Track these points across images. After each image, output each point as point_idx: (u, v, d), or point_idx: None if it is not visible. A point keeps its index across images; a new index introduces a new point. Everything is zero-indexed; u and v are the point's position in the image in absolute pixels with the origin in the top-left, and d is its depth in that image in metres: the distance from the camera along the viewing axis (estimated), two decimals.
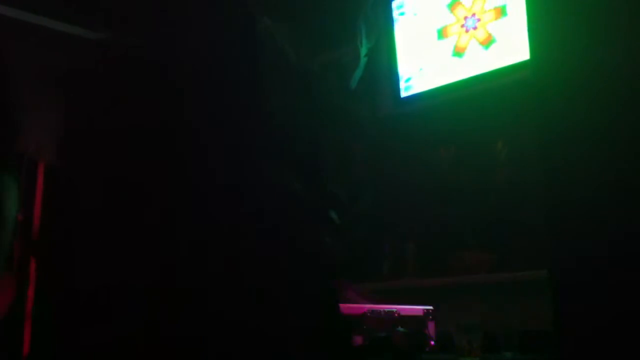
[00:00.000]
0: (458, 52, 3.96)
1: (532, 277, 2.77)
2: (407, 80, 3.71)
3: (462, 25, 4.00)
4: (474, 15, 4.02)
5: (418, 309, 2.99)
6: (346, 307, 2.77)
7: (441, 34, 4.06)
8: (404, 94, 3.58)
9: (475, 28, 3.96)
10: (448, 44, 3.99)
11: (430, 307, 3.00)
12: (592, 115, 2.05)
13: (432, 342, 2.95)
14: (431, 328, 2.98)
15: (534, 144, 2.71)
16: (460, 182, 3.21)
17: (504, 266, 2.93)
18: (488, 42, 3.84)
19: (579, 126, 2.09)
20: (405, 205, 3.38)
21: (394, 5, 3.95)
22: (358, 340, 2.76)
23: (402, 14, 4.04)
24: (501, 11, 3.85)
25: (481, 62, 3.76)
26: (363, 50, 3.46)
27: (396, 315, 2.89)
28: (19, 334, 3.37)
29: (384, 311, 2.88)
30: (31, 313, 3.38)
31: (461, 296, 3.10)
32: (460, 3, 4.03)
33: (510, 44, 3.66)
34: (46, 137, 3.73)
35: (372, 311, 2.84)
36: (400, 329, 2.80)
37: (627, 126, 1.94)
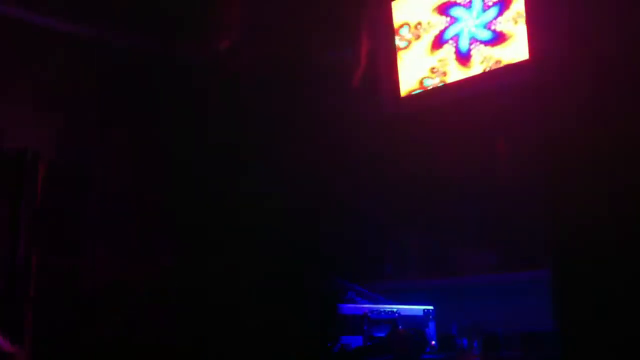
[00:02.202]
0: None
1: (533, 278, 2.77)
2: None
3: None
4: None
5: (418, 309, 2.99)
6: (347, 308, 2.78)
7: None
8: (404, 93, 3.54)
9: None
10: None
11: (431, 307, 3.00)
12: (592, 115, 2.05)
13: (433, 342, 2.95)
14: (432, 328, 2.98)
15: (535, 144, 2.71)
16: (461, 182, 3.21)
17: (505, 266, 2.93)
18: None
19: (578, 125, 2.09)
20: (407, 205, 3.38)
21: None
22: (358, 340, 2.76)
23: None
24: None
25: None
26: (364, 50, 3.47)
27: (397, 315, 2.89)
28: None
29: (385, 311, 2.88)
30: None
31: (462, 296, 3.10)
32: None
33: None
34: (48, 133, 3.75)
35: (373, 311, 2.85)
36: (400, 329, 2.80)
37: (627, 125, 1.94)
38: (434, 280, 3.15)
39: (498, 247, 3.01)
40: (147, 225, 3.13)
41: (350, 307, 2.80)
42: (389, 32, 3.48)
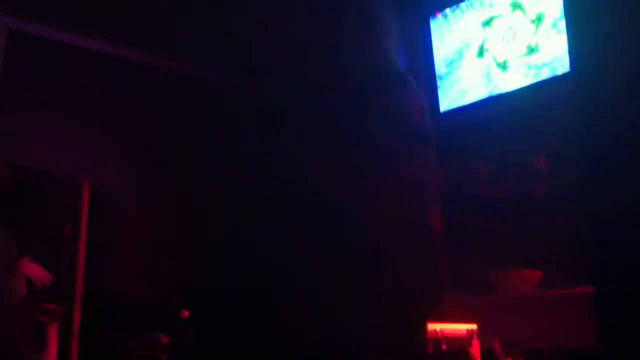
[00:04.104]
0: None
1: (576, 295, 2.72)
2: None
3: None
4: None
5: (461, 328, 2.95)
6: None
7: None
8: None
9: None
10: None
11: (474, 327, 2.96)
12: (633, 130, 2.01)
13: None
14: (475, 347, 2.94)
15: (575, 159, 2.66)
16: (502, 197, 3.17)
17: (548, 283, 2.89)
18: None
19: (618, 141, 2.05)
20: (446, 221, 3.34)
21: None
22: None
23: None
24: None
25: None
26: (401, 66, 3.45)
27: (440, 335, 2.86)
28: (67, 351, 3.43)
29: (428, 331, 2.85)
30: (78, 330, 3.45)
31: (505, 313, 3.06)
32: None
33: None
34: (90, 157, 3.80)
35: None
36: (444, 348, 2.77)
37: None
38: (477, 297, 3.12)
39: (542, 264, 2.97)
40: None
41: None
42: (427, 49, 3.46)
